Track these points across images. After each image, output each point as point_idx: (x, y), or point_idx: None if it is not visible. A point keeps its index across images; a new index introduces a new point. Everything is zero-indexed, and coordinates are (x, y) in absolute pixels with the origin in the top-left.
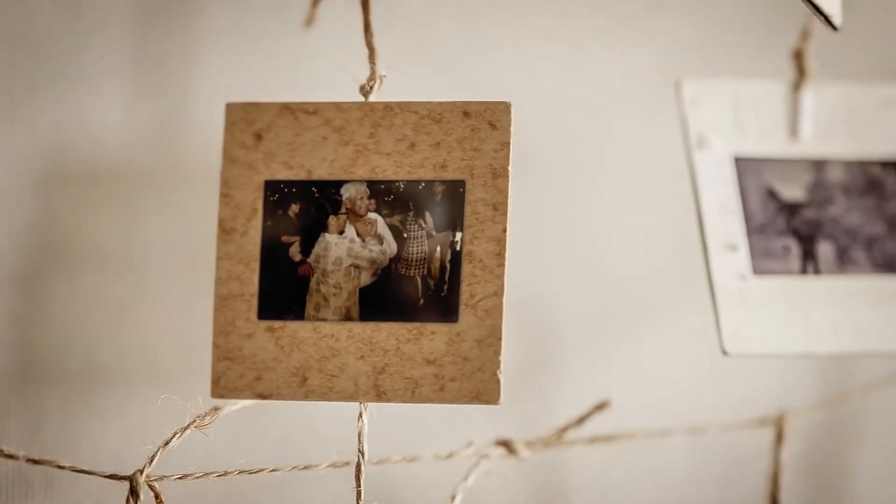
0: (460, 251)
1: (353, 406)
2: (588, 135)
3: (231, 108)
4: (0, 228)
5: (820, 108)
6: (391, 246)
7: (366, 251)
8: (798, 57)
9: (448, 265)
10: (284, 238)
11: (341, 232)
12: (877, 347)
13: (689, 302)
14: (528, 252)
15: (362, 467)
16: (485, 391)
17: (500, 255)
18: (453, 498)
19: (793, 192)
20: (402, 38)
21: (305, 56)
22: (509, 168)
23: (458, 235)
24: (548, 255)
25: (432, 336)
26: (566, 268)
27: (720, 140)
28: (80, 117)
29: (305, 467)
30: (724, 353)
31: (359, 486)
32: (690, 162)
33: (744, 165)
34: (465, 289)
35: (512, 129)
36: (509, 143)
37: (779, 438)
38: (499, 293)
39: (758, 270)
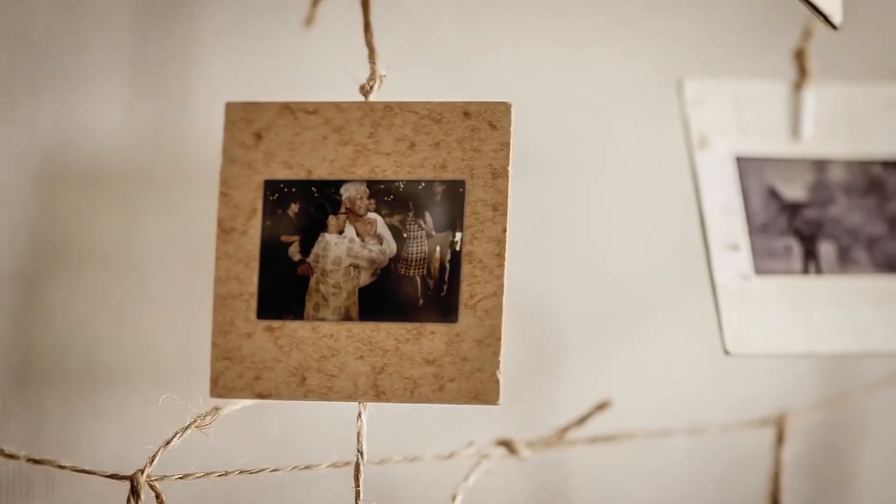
0: (460, 251)
1: (354, 406)
2: (588, 135)
3: (231, 108)
4: (0, 228)
5: (821, 107)
6: (391, 246)
7: (365, 251)
8: (799, 57)
9: (448, 265)
10: (284, 238)
11: (341, 232)
12: (878, 347)
13: (690, 302)
14: (528, 252)
15: (361, 467)
16: (484, 391)
17: (500, 255)
18: (454, 498)
19: (794, 191)
20: (402, 38)
21: (305, 56)
22: (509, 168)
23: (458, 235)
24: (548, 255)
25: (432, 336)
26: (567, 268)
27: (722, 140)
28: (80, 117)
29: (306, 467)
30: (726, 352)
31: (357, 485)
32: (692, 162)
33: (745, 165)
34: (464, 289)
35: (512, 129)
36: (509, 144)
37: (780, 438)
38: (498, 293)
39: (759, 270)
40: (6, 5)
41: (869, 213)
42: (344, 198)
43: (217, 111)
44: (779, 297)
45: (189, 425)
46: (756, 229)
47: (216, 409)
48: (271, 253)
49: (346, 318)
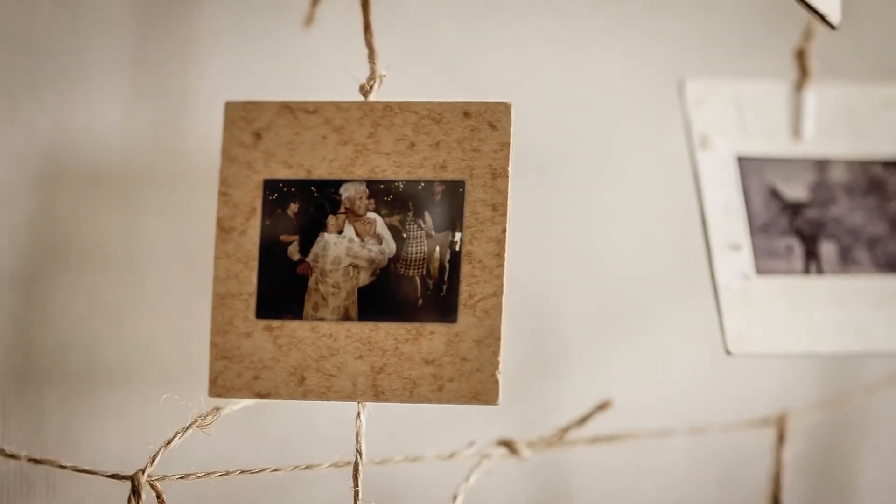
0: (459, 251)
1: (354, 406)
2: (589, 135)
3: (230, 107)
4: (1, 228)
5: (822, 107)
6: (390, 246)
7: (365, 251)
8: (800, 57)
9: (447, 265)
10: (283, 237)
11: (340, 231)
12: (879, 347)
13: (691, 302)
14: (529, 252)
15: (360, 467)
16: (483, 391)
17: (500, 255)
18: (455, 498)
19: (795, 191)
20: (401, 38)
21: (305, 56)
22: (509, 169)
23: (458, 236)
24: (549, 255)
25: (431, 336)
26: (568, 268)
27: (723, 140)
28: (80, 117)
29: (307, 467)
30: (728, 352)
31: (356, 485)
32: (693, 162)
33: (746, 165)
34: (464, 289)
35: (512, 129)
36: (509, 144)
37: (780, 439)
38: (498, 294)
39: (761, 270)
40: (6, 5)
41: (870, 213)
42: (343, 197)
43: (217, 111)
44: (780, 296)
45: (190, 425)
46: (757, 229)
47: (217, 408)
48: (270, 252)
49: (346, 317)
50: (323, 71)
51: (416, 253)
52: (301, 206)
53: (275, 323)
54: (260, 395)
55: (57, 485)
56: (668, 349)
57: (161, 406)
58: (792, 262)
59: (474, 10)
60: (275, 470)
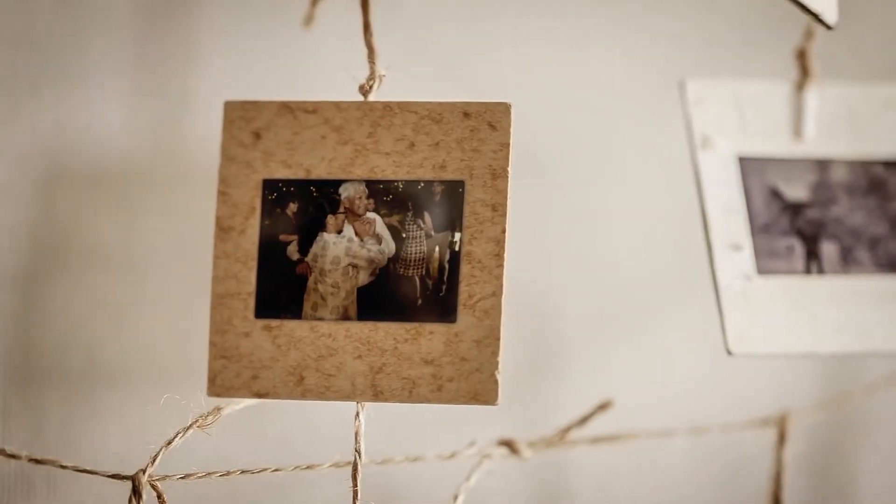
0: (459, 251)
1: (355, 406)
2: (590, 135)
3: (230, 107)
4: (1, 228)
5: (823, 107)
6: (389, 246)
7: (364, 251)
8: (801, 57)
9: (447, 265)
10: (282, 237)
11: (339, 231)
12: (880, 347)
13: (692, 302)
14: (529, 252)
15: (359, 467)
16: (483, 392)
17: (499, 255)
18: (456, 498)
19: (796, 191)
20: (401, 38)
21: (305, 56)
22: (509, 169)
23: (457, 236)
24: (549, 255)
25: (430, 336)
26: (568, 268)
27: (724, 140)
28: (80, 117)
29: (308, 467)
30: (729, 353)
31: (355, 485)
32: (694, 162)
33: (747, 165)
34: (463, 289)
35: (512, 129)
36: (509, 144)
37: (781, 439)
38: (497, 294)
39: (762, 270)
40: (7, 5)
41: (871, 213)
42: (343, 197)
43: (217, 111)
44: (781, 297)
45: (190, 425)
46: (758, 229)
47: (218, 408)
48: (270, 252)
49: (345, 317)
50: (323, 71)
51: (416, 253)
52: (300, 206)
53: (274, 322)
54: (259, 395)
55: (58, 485)
56: (668, 349)
57: (162, 406)
58: (793, 262)
59: (474, 10)
60: (275, 470)
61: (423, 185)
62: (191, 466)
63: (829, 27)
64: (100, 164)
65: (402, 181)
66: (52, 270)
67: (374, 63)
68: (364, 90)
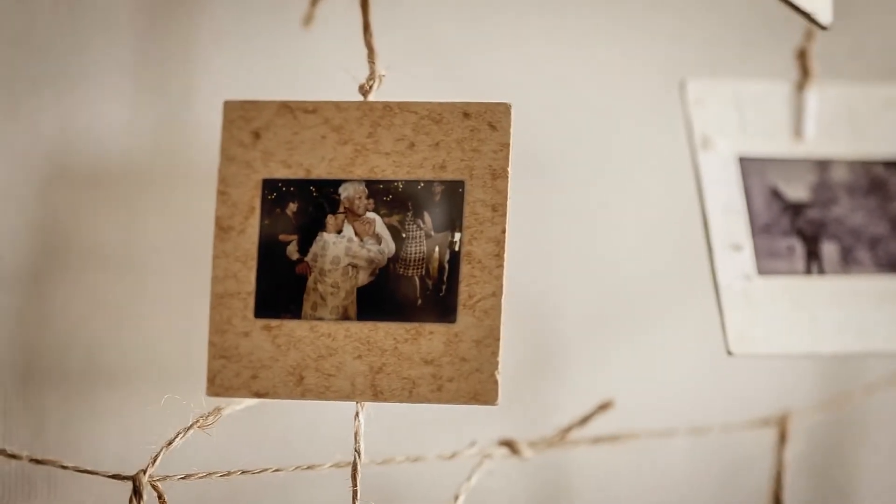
0: (459, 252)
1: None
2: (590, 135)
3: (229, 106)
4: (2, 228)
5: (823, 108)
6: (389, 246)
7: (364, 251)
8: (801, 57)
9: (446, 265)
10: (282, 237)
11: (339, 231)
12: (881, 347)
13: (692, 302)
14: (529, 252)
15: (358, 467)
16: (483, 392)
17: (499, 255)
18: (456, 498)
19: (797, 192)
20: (401, 38)
21: (306, 56)
22: (509, 169)
23: (457, 236)
24: (550, 255)
25: (430, 336)
26: (568, 268)
27: (724, 140)
28: (81, 117)
29: (308, 467)
30: (729, 353)
31: (355, 485)
32: (694, 162)
33: (748, 165)
34: (463, 289)
35: (512, 130)
36: (509, 145)
37: (782, 439)
38: (497, 294)
39: (762, 270)
40: (7, 5)
41: (871, 214)
42: (342, 197)
43: (218, 111)
44: (781, 297)
45: (191, 425)
46: (759, 229)
47: (218, 409)
48: (269, 252)
49: (345, 317)
50: (324, 71)
51: (416, 253)
52: (300, 206)
53: (273, 322)
54: (258, 395)
55: (58, 485)
56: (669, 349)
57: (162, 406)
58: (793, 262)
59: (474, 10)
60: (276, 470)
61: (422, 185)
62: (191, 467)
63: (823, 27)
64: (100, 163)
65: (401, 181)
66: (53, 270)
67: (373, 63)
68: (364, 90)
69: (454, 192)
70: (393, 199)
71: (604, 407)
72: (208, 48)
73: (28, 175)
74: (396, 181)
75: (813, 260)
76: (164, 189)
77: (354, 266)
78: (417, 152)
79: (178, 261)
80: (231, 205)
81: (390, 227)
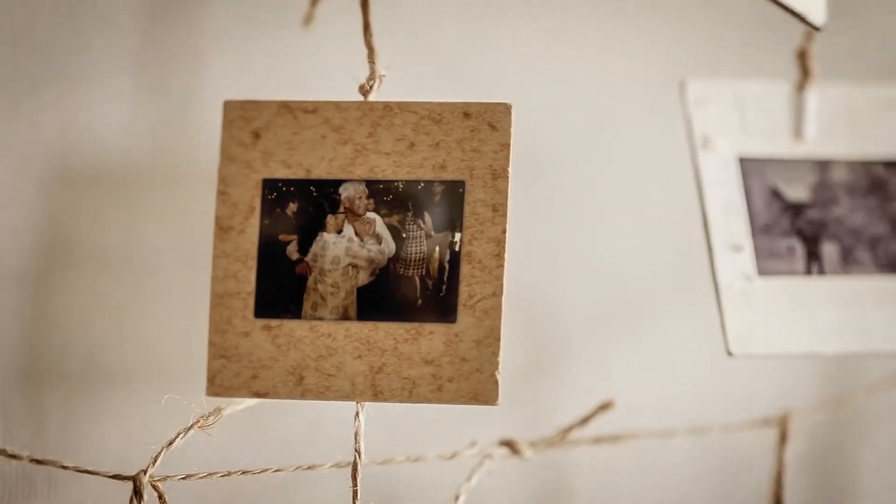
0: (459, 252)
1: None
2: (591, 135)
3: (229, 106)
4: (3, 228)
5: (823, 108)
6: (389, 246)
7: (364, 251)
8: (801, 57)
9: (447, 265)
10: (282, 236)
11: (339, 231)
12: (881, 347)
13: (692, 302)
14: (530, 252)
15: (359, 467)
16: (483, 392)
17: (500, 255)
18: (457, 498)
19: (797, 192)
20: (402, 38)
21: (307, 56)
22: (509, 169)
23: (458, 236)
24: (550, 255)
25: (430, 336)
26: (568, 268)
27: (724, 140)
28: (81, 117)
29: (309, 467)
30: (729, 353)
31: (355, 485)
32: (695, 162)
33: (748, 166)
34: (463, 289)
35: (512, 130)
36: (509, 145)
37: (782, 439)
38: (498, 294)
39: (762, 271)
40: (8, 5)
41: (871, 214)
42: (343, 197)
43: (219, 111)
44: (782, 297)
45: (192, 425)
46: (759, 230)
47: (219, 409)
48: (269, 252)
49: (345, 317)
50: (325, 71)
51: (416, 253)
52: (300, 206)
53: (273, 322)
54: (258, 395)
55: (58, 485)
56: (669, 349)
57: (163, 406)
58: (793, 262)
59: (474, 11)
60: (277, 470)
61: (423, 185)
62: (192, 467)
63: (816, 28)
64: (100, 163)
65: (402, 181)
66: (53, 270)
67: (374, 63)
68: (364, 90)
69: (454, 192)
70: (393, 199)
71: (604, 407)
72: (209, 48)
73: (28, 175)
74: (397, 181)
75: (813, 260)
76: (164, 189)
77: (354, 266)
78: (418, 152)
79: (178, 261)
80: (231, 205)
81: (390, 227)
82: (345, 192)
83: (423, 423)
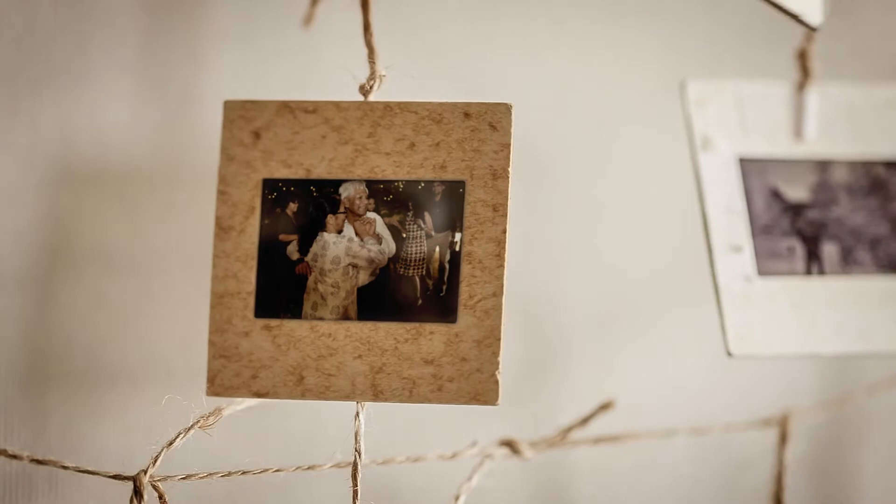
0: (459, 252)
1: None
2: (591, 135)
3: (229, 106)
4: (4, 228)
5: (824, 108)
6: (390, 246)
7: (364, 251)
8: (802, 57)
9: (447, 265)
10: (282, 236)
11: (340, 231)
12: (881, 348)
13: (693, 302)
14: (530, 253)
15: (359, 467)
16: (483, 392)
17: (500, 255)
18: (457, 498)
19: (797, 192)
20: (402, 38)
21: (309, 56)
22: (510, 169)
23: (458, 236)
24: (550, 255)
25: (431, 336)
26: (569, 268)
27: (724, 141)
28: (84, 117)
29: (309, 467)
30: (729, 354)
31: (355, 485)
32: (695, 163)
33: (748, 166)
34: (464, 289)
35: (513, 130)
36: (510, 145)
37: (783, 439)
38: (498, 294)
39: (762, 271)
40: (8, 4)
41: (872, 214)
42: (343, 197)
43: (220, 111)
44: (781, 298)
45: (192, 425)
46: (759, 230)
47: (219, 409)
48: (269, 251)
49: (345, 317)
50: (326, 71)
51: (416, 253)
52: (300, 206)
53: (273, 322)
54: (258, 395)
55: (59, 485)
56: (670, 349)
57: (163, 406)
58: (793, 263)
59: (474, 11)
60: (277, 470)
61: (423, 185)
62: (192, 467)
63: (812, 28)
64: (102, 163)
65: (402, 181)
66: (55, 271)
67: (374, 63)
68: (364, 90)
69: (455, 192)
70: (393, 199)
71: (605, 407)
72: (209, 48)
73: (29, 175)
74: (397, 181)
75: (813, 261)
76: (165, 189)
77: (355, 266)
78: (418, 152)
79: (180, 261)
80: (231, 204)
81: (391, 227)
82: (345, 191)
83: (423, 423)
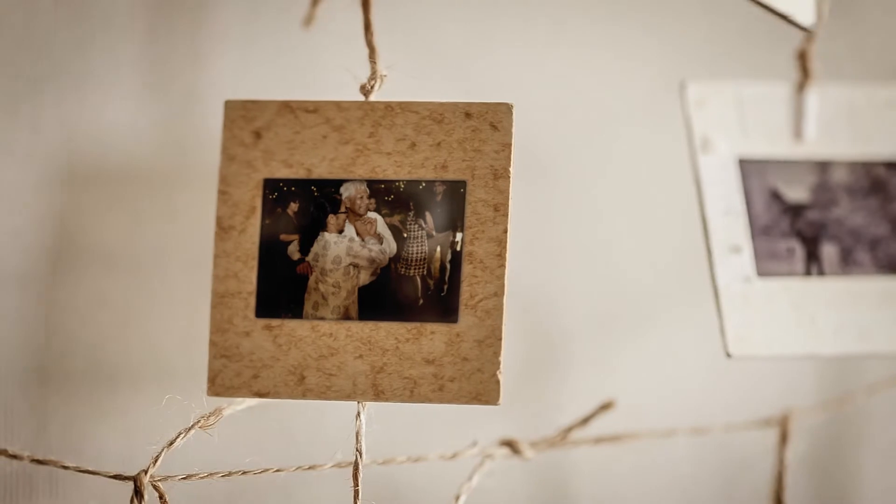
0: (460, 251)
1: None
2: (591, 136)
3: (230, 106)
4: (5, 228)
5: (823, 108)
6: (391, 245)
7: (365, 250)
8: (801, 58)
9: (448, 265)
10: (283, 236)
11: (340, 231)
12: (881, 348)
13: (693, 302)
14: (531, 252)
15: (360, 467)
16: (484, 392)
17: (501, 255)
18: (457, 498)
19: (797, 193)
20: (403, 38)
21: (310, 56)
22: (511, 169)
23: (459, 236)
24: (551, 255)
25: (432, 336)
26: (569, 268)
27: (724, 142)
28: (85, 117)
29: (310, 467)
30: (728, 355)
31: (356, 485)
32: (694, 164)
33: (748, 167)
34: (465, 289)
35: (514, 130)
36: (511, 145)
37: (783, 439)
38: (499, 294)
39: (762, 272)
40: (9, 4)
41: (872, 215)
42: (344, 197)
43: (221, 111)
44: (781, 298)
45: (193, 425)
46: (758, 231)
47: (219, 409)
48: (270, 251)
49: (346, 317)
50: (326, 71)
51: (417, 253)
52: (301, 206)
53: (274, 322)
54: (259, 395)
55: (60, 485)
56: (670, 349)
57: (164, 406)
58: (793, 263)
59: (475, 11)
60: (277, 470)
61: (424, 185)
62: (193, 467)
63: (803, 28)
64: (103, 163)
65: (403, 181)
66: (55, 271)
67: (375, 63)
68: (365, 90)
69: (456, 191)
70: (394, 198)
71: (605, 407)
72: (210, 48)
73: (30, 175)
74: (398, 181)
75: (813, 261)
76: (167, 189)
77: (356, 266)
78: (419, 152)
79: (181, 261)
80: (232, 204)
81: (392, 227)
82: (346, 191)
83: (424, 423)
